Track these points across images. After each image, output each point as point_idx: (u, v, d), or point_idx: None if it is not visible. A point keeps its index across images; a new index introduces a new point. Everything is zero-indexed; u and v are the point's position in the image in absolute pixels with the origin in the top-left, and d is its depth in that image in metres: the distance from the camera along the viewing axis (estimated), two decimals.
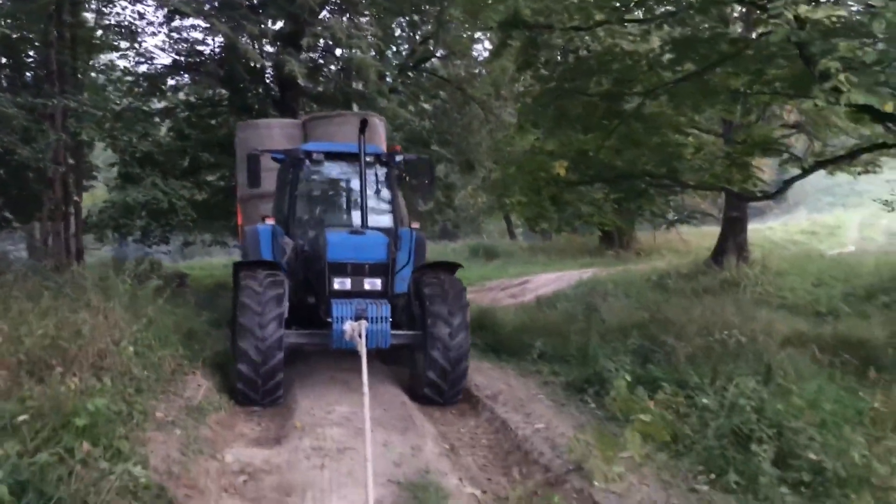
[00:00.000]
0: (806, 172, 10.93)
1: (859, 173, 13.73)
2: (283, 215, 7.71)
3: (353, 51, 15.41)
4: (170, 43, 16.88)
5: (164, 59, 17.11)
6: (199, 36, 16.98)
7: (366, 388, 3.67)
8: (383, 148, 9.78)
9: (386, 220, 7.64)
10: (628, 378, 5.58)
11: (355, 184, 7.62)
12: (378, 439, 4.90)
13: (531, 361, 7.66)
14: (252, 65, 16.06)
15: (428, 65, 19.31)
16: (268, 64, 16.62)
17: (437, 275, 7.01)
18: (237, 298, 6.58)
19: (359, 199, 7.35)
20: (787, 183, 11.01)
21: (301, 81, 15.17)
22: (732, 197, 14.07)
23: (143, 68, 17.00)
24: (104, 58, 18.30)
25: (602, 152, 10.15)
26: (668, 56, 8.16)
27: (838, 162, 11.23)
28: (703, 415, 4.84)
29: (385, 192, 7.86)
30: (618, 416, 5.22)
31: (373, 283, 6.69)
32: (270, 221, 7.61)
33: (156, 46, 18.80)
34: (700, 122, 14.07)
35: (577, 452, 4.56)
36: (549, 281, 18.04)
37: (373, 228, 7.20)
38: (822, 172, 14.90)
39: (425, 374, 6.64)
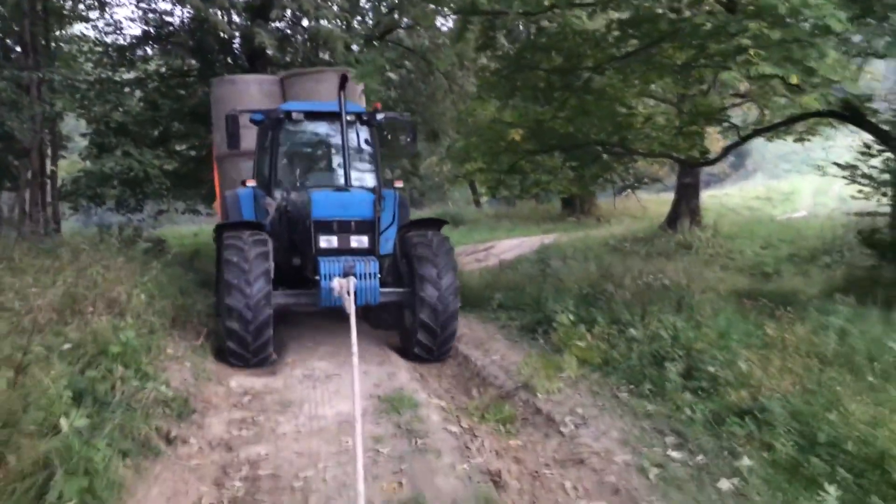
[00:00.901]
0: (743, 140, 12.07)
1: (795, 140, 14.89)
2: (265, 177, 7.66)
3: (321, 21, 15.99)
4: (139, 14, 17.25)
5: (134, 30, 17.48)
6: (168, 6, 17.38)
7: (354, 346, 3.78)
8: (362, 105, 9.66)
9: (369, 180, 7.61)
10: (571, 317, 6.62)
11: (337, 143, 7.55)
12: (359, 369, 5.85)
13: (491, 311, 8.68)
14: (221, 35, 16.51)
15: (393, 35, 19.92)
16: (236, 34, 17.08)
17: (425, 233, 6.96)
18: (222, 258, 6.56)
19: (341, 159, 7.25)
20: (726, 150, 12.12)
21: (270, 52, 15.76)
22: (677, 163, 15.14)
23: (111, 39, 17.34)
24: (75, 28, 18.52)
25: (556, 123, 11.08)
26: (614, 34, 9.11)
27: (774, 129, 12.36)
28: (630, 343, 5.91)
29: (367, 152, 7.76)
30: (561, 348, 6.25)
31: (359, 241, 6.67)
32: (251, 183, 7.61)
33: (126, 18, 19.00)
34: (657, 93, 15.07)
35: (524, 374, 5.59)
36: (512, 246, 19.08)
37: (356, 188, 7.14)
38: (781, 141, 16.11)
39: (415, 334, 6.66)
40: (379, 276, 6.50)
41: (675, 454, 4.10)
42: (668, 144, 12.82)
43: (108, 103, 15.06)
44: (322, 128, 7.86)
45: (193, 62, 18.51)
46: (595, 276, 9.67)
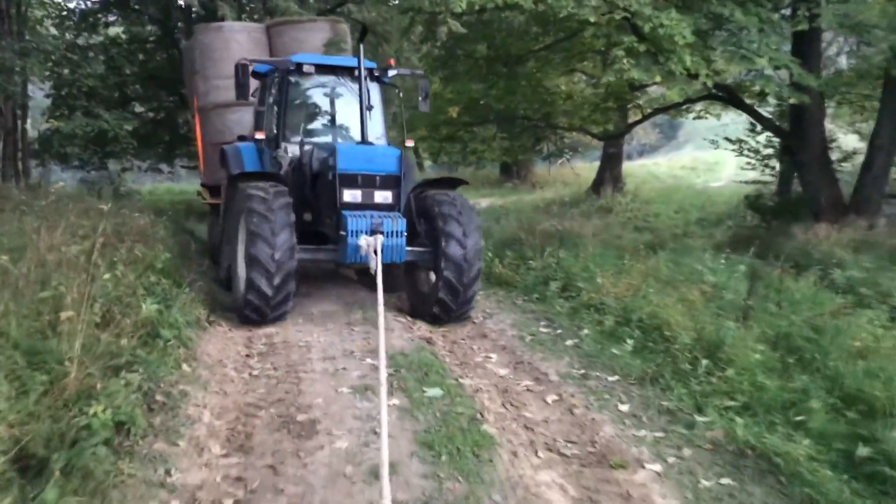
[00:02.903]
0: (645, 117, 14.64)
1: (694, 118, 17.59)
2: (271, 130, 7.60)
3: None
4: None
5: None
6: None
7: (381, 305, 4.00)
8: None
9: (380, 136, 7.61)
10: (489, 254, 8.99)
11: (347, 98, 7.57)
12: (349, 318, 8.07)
13: None
14: (180, 4, 18.03)
15: (344, 8, 21.68)
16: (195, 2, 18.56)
17: (447, 192, 7.03)
18: (237, 208, 6.62)
19: (354, 114, 7.25)
20: (630, 126, 14.67)
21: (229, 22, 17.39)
22: (591, 136, 17.60)
23: (74, 5, 18.61)
24: None
25: (490, 99, 13.37)
26: (534, 30, 11.42)
27: (671, 109, 14.96)
28: (528, 271, 8.32)
29: (377, 108, 7.69)
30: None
31: (384, 196, 6.66)
32: (260, 136, 7.55)
33: None
34: (586, 68, 17.50)
35: None
36: None
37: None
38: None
39: (436, 292, 6.69)
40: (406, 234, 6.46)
41: (543, 329, 6.54)
42: (586, 119, 15.35)
43: (77, 67, 16.48)
44: (332, 81, 7.69)
45: (151, 28, 19.99)
46: (515, 229, 12.06)
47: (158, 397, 4.54)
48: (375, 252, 4.70)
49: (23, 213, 7.71)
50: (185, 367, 5.15)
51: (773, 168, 16.36)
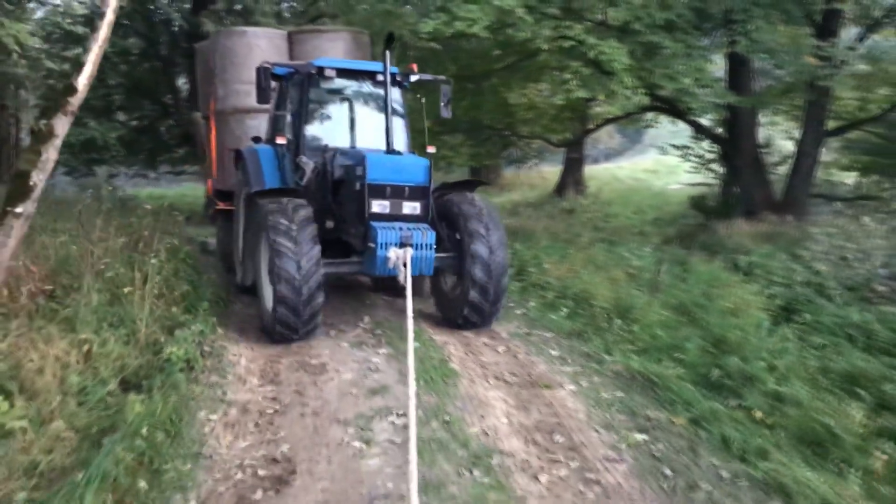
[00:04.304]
0: (598, 126, 16.49)
1: (644, 126, 19.53)
2: (292, 135, 7.58)
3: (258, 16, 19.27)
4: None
5: (80, 10, 20.11)
6: None
7: (410, 320, 4.35)
8: None
9: (400, 143, 7.33)
10: None
11: (370, 103, 7.62)
12: None
13: None
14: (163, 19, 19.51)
15: (319, 22, 23.32)
16: (176, 18, 20.03)
17: (465, 193, 7.13)
18: (260, 223, 6.62)
19: (377, 120, 7.27)
20: (585, 134, 16.52)
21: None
22: (550, 144, 19.39)
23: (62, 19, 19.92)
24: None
25: (458, 111, 15.08)
26: (495, 52, 13.19)
27: (620, 120, 16.86)
28: None
29: (398, 114, 7.61)
30: None
31: (412, 207, 6.63)
32: (281, 140, 7.55)
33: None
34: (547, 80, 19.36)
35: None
36: None
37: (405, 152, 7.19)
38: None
39: (466, 294, 6.76)
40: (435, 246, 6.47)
41: None
42: (545, 128, 17.18)
43: (65, 78, 17.83)
44: (354, 86, 7.67)
45: (136, 40, 21.38)
46: None
47: (206, 348, 6.18)
48: (405, 265, 4.93)
49: (54, 216, 9.22)
50: (219, 330, 6.79)
51: (716, 172, 18.35)
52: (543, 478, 4.34)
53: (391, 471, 4.35)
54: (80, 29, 19.59)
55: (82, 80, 4.84)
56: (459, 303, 6.96)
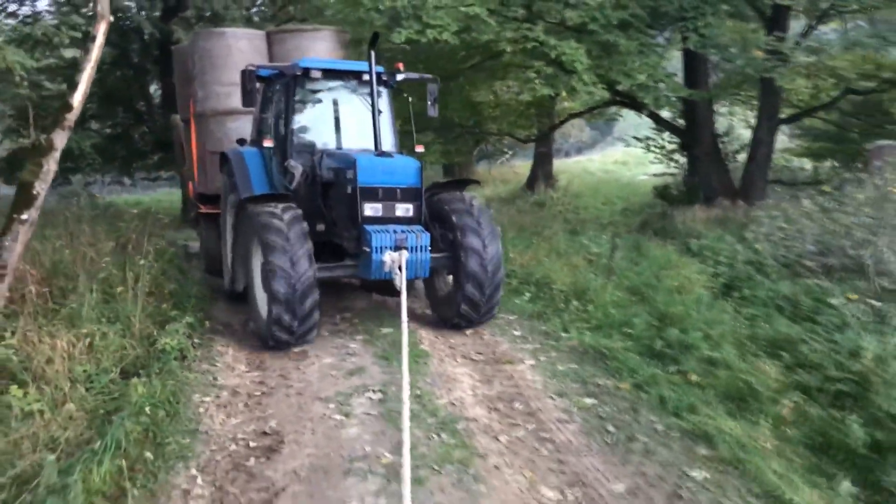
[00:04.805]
0: (562, 122, 17.18)
1: (606, 121, 20.28)
2: (279, 137, 7.54)
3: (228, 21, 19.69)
4: (56, 6, 20.24)
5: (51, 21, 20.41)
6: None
7: (404, 323, 4.44)
8: None
9: (391, 143, 7.50)
10: None
11: (356, 104, 7.56)
12: None
13: None
14: (134, 27, 19.88)
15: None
16: (147, 28, 20.39)
17: (454, 192, 7.26)
18: (251, 228, 6.62)
19: (364, 121, 7.27)
20: (551, 129, 17.21)
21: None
22: (516, 140, 20.05)
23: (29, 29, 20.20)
24: None
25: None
26: (461, 54, 13.80)
27: (584, 114, 17.59)
28: None
29: (387, 114, 7.67)
30: None
31: (405, 209, 6.68)
32: (269, 143, 7.49)
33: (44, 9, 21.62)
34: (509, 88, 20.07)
35: None
36: None
37: (396, 153, 7.21)
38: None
39: (461, 290, 6.84)
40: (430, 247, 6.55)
41: None
42: (512, 125, 17.85)
43: (37, 88, 18.16)
44: (340, 87, 7.65)
45: (108, 49, 21.67)
46: None
47: (196, 340, 6.75)
48: (400, 268, 5.01)
49: (42, 223, 9.68)
50: (206, 323, 7.35)
51: (677, 162, 19.15)
52: (503, 438, 4.98)
53: (368, 437, 4.96)
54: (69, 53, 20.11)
55: (77, 98, 5.37)
56: (454, 300, 7.05)
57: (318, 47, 10.01)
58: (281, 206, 6.60)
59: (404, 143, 8.37)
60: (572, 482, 4.40)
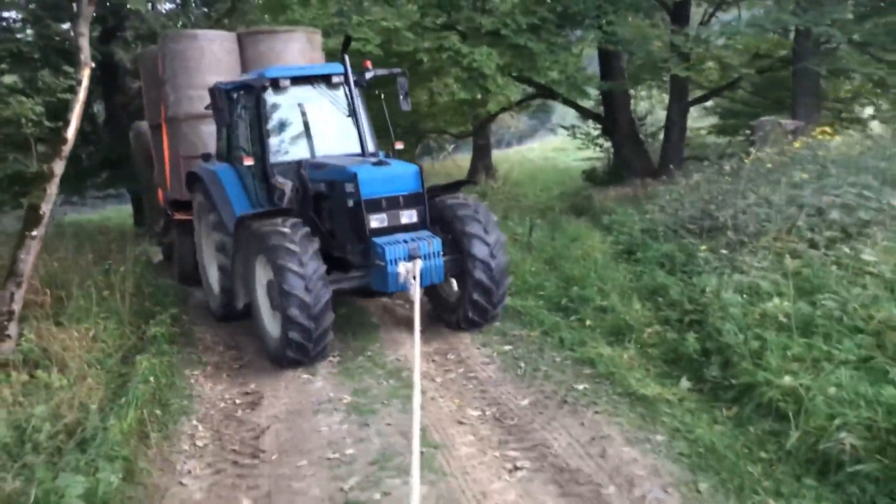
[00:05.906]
0: (491, 118, 18.72)
1: (533, 112, 21.90)
2: (259, 155, 7.39)
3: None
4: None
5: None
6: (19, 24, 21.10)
7: (417, 333, 4.79)
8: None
9: (371, 144, 7.54)
10: None
11: (329, 109, 7.52)
12: None
13: None
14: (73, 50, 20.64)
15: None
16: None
17: (457, 195, 7.25)
18: (257, 251, 6.64)
19: (342, 123, 7.34)
20: (484, 122, 18.71)
21: (128, 66, 20.25)
22: (451, 136, 21.51)
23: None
24: None
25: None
26: (390, 61, 15.16)
27: (512, 108, 19.15)
28: None
29: (363, 114, 7.58)
30: None
31: (409, 216, 6.71)
32: (248, 161, 7.32)
33: None
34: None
35: None
36: None
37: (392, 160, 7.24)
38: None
39: (469, 295, 6.96)
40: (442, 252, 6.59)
41: None
42: (447, 122, 19.31)
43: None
44: (310, 93, 7.55)
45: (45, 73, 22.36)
46: None
47: (177, 329, 8.06)
48: (415, 277, 5.16)
49: None
50: (184, 316, 8.66)
51: (601, 146, 20.90)
52: (438, 379, 6.45)
53: (330, 388, 6.35)
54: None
55: (70, 132, 6.62)
56: (461, 306, 7.19)
57: (292, 48, 9.99)
58: (289, 224, 6.55)
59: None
60: (490, 403, 5.88)
